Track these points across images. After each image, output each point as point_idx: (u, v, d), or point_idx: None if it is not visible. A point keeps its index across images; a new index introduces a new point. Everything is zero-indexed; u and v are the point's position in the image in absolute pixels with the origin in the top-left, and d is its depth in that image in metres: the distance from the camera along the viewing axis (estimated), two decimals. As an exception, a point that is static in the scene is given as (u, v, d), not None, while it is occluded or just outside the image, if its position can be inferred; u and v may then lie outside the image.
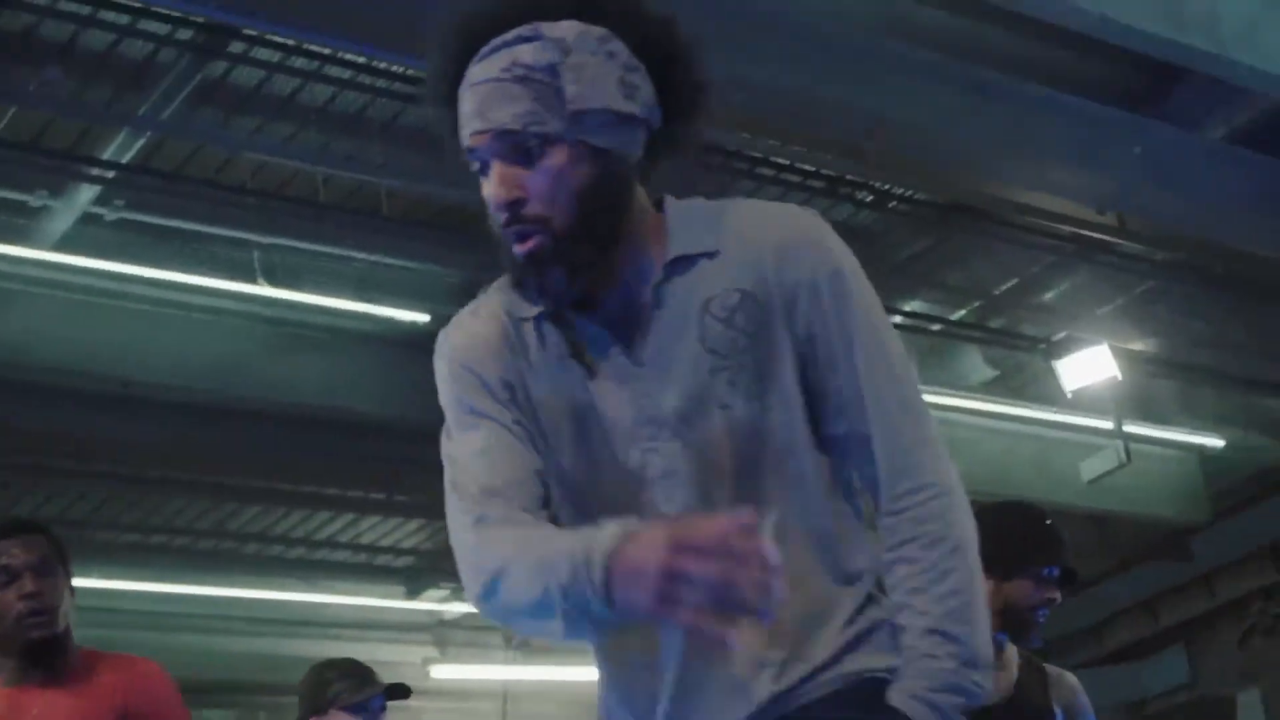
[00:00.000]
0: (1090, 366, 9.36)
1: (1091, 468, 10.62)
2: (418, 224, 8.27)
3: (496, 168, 2.31)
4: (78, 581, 10.28)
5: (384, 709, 5.29)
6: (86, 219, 7.74)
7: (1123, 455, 10.38)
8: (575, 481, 2.42)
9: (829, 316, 2.37)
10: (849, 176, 8.22)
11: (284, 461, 9.65)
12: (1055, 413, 10.38)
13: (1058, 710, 4.59)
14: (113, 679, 4.28)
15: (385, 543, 11.36)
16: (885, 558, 2.35)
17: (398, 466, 9.70)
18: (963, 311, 9.68)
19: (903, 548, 2.33)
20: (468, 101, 2.34)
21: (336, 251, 8.20)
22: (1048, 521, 4.75)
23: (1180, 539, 11.93)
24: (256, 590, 11.21)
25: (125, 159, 7.50)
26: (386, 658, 12.04)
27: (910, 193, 8.43)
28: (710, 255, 2.38)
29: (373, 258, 8.28)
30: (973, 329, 9.93)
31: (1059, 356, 9.44)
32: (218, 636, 11.25)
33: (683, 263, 2.37)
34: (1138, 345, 9.70)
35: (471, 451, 2.39)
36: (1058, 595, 4.55)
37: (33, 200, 7.63)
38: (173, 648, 11.26)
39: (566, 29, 2.33)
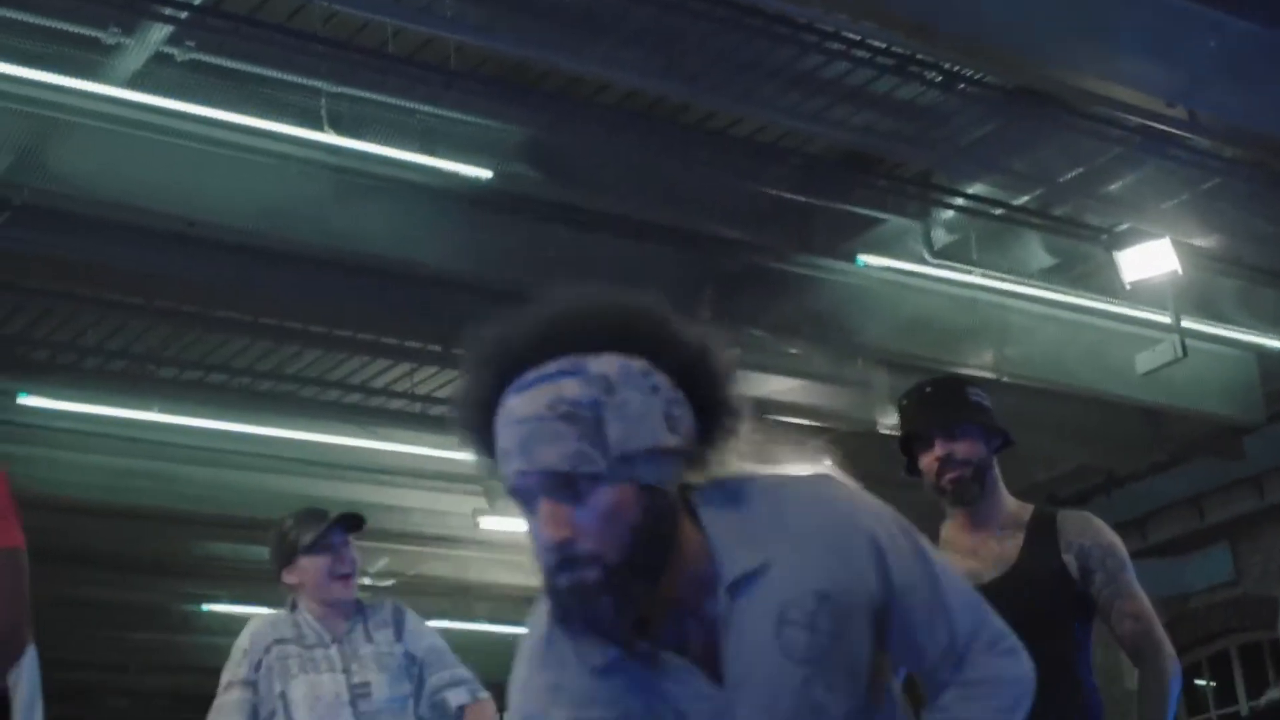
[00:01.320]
0: (1151, 259, 9.29)
1: (1146, 361, 10.53)
2: (484, 79, 8.22)
3: (545, 506, 2.24)
4: (138, 414, 10.58)
5: (346, 543, 5.17)
6: (158, 58, 7.71)
7: (1179, 350, 10.30)
8: None
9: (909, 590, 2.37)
10: (918, 56, 8.12)
11: (344, 308, 9.68)
12: (1113, 304, 10.31)
13: (1069, 559, 4.54)
14: None
15: (440, 394, 11.40)
16: None
17: (456, 319, 9.70)
18: (1026, 198, 9.59)
19: None
20: (509, 437, 2.26)
21: (403, 103, 8.17)
22: (915, 395, 4.76)
23: (1232, 438, 11.88)
24: (311, 433, 11.30)
25: (198, 0, 7.49)
26: (436, 507, 12.23)
27: (979, 75, 8.34)
28: (764, 572, 2.31)
29: (439, 111, 8.24)
30: (1035, 215, 9.84)
31: (1120, 248, 9.37)
32: (271, 476, 11.37)
33: (742, 584, 2.30)
34: (1200, 241, 9.61)
35: None
36: (940, 452, 4.55)
37: (106, 37, 7.59)
38: (227, 484, 11.47)
39: (609, 364, 2.25)
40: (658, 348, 2.28)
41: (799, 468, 2.48)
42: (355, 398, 11.30)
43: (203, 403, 10.95)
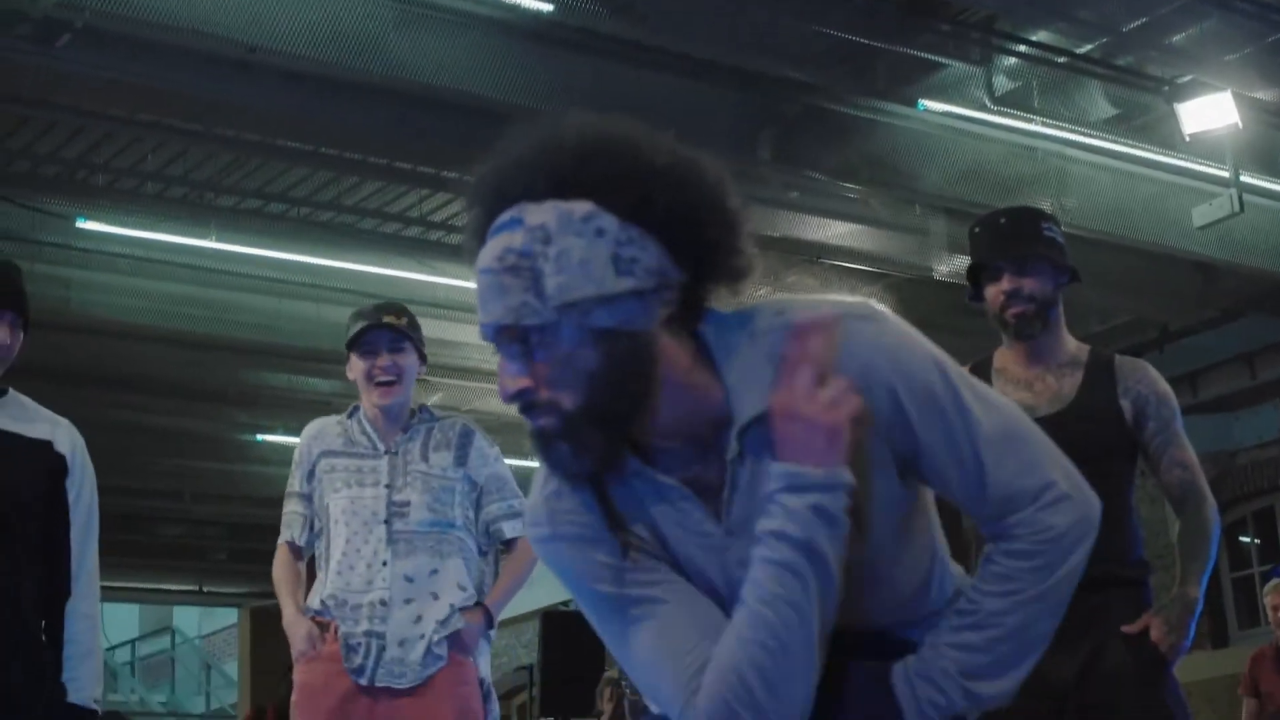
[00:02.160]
0: (1212, 112, 9.22)
1: (1203, 214, 10.44)
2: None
3: (501, 359, 2.26)
4: (196, 242, 10.62)
5: (389, 347, 5.01)
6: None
7: (1236, 204, 10.22)
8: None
9: (930, 428, 2.31)
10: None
11: (405, 140, 9.66)
12: (1171, 156, 10.23)
13: (1125, 404, 4.55)
14: None
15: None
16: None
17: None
18: (1089, 46, 9.50)
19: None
20: (477, 289, 2.27)
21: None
22: (988, 224, 4.74)
23: (1282, 296, 11.85)
24: (368, 265, 11.30)
25: None
26: (479, 343, 12.28)
27: (1048, -86, 8.24)
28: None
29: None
30: (1098, 64, 9.74)
31: (1181, 99, 9.29)
32: (328, 307, 11.34)
33: (752, 427, 2.28)
34: (1262, 94, 9.53)
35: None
36: (1008, 286, 4.55)
37: None
38: (285, 314, 11.53)
39: (547, 213, 2.22)
40: (608, 187, 2.24)
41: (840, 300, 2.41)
42: (414, 230, 11.32)
43: (261, 232, 11.00)
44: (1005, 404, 2.42)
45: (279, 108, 9.09)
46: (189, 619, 25.55)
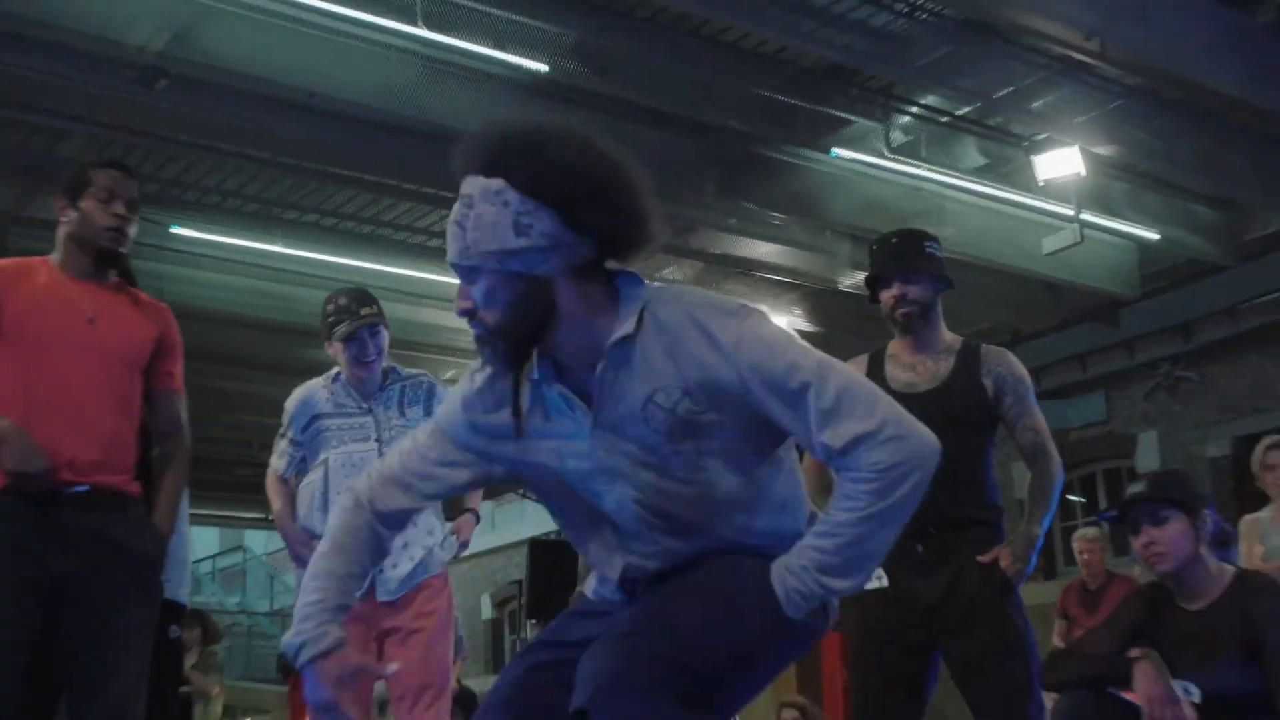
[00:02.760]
0: (1061, 163, 9.27)
1: (1051, 244, 10.53)
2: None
3: (460, 285, 2.47)
4: (265, 246, 10.54)
5: (374, 333, 4.88)
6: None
7: (1077, 236, 10.30)
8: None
9: (787, 394, 2.45)
10: (888, -11, 8.04)
11: (430, 170, 9.56)
12: (1028, 197, 10.25)
13: (988, 384, 4.54)
14: (155, 311, 4.11)
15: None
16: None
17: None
18: (966, 109, 9.51)
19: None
20: None
21: (480, 7, 8.01)
22: (883, 242, 4.71)
23: (1112, 309, 11.87)
24: (399, 268, 11.26)
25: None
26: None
27: (936, 8, 8.22)
28: (635, 339, 2.46)
29: (509, 15, 8.08)
30: (973, 123, 9.77)
31: (1037, 153, 9.36)
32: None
33: (619, 345, 2.46)
34: (1101, 150, 9.51)
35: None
36: (896, 292, 4.52)
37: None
38: (295, 301, 11.40)
39: (473, 185, 2.40)
40: (516, 165, 2.39)
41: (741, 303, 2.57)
42: (436, 242, 11.22)
43: (316, 240, 10.94)
44: (845, 370, 2.51)
45: (331, 141, 9.06)
46: (257, 539, 25.49)
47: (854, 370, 2.57)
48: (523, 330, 2.46)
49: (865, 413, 2.46)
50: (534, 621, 12.82)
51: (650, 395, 2.46)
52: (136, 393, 4.01)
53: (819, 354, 2.52)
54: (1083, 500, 13.20)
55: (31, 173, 9.57)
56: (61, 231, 4.05)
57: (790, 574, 2.52)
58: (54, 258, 4.05)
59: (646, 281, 2.54)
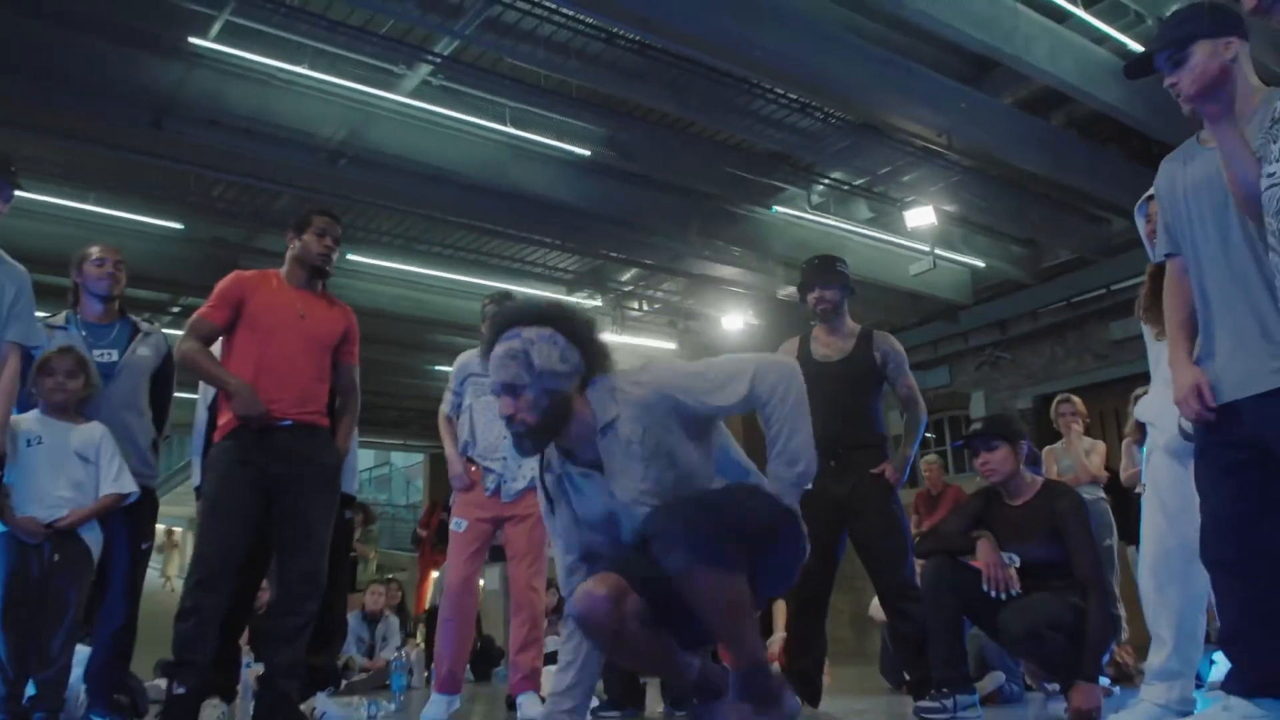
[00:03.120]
0: (922, 216, 9.18)
1: (915, 268, 10.47)
2: (588, 102, 7.95)
3: (503, 396, 2.60)
4: (407, 267, 10.40)
5: None
6: (424, 82, 7.55)
7: (932, 264, 10.23)
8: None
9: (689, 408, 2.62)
10: (812, 103, 7.92)
11: (516, 220, 9.51)
12: (900, 238, 10.13)
13: (877, 355, 4.50)
14: (344, 311, 4.10)
15: (561, 265, 11.29)
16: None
17: (568, 230, 9.71)
18: (860, 180, 9.42)
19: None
20: (492, 363, 2.63)
21: (545, 113, 7.96)
22: (809, 263, 4.67)
23: (953, 311, 11.75)
24: (496, 281, 10.96)
25: (446, 52, 7.24)
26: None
27: (842, 115, 8.10)
28: (615, 422, 2.59)
29: (564, 118, 8.06)
30: (864, 191, 9.67)
31: (907, 209, 9.25)
32: (457, 300, 11.20)
33: (606, 428, 2.60)
34: (948, 208, 9.44)
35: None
36: (817, 294, 4.52)
37: (396, 69, 7.44)
38: (448, 306, 11.37)
39: (532, 332, 2.58)
40: (557, 322, 2.60)
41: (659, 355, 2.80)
42: (516, 265, 11.16)
43: (439, 262, 10.85)
44: (723, 363, 2.69)
45: (451, 201, 8.99)
46: (399, 457, 25.46)
47: (736, 358, 2.73)
48: (551, 427, 2.59)
49: (740, 370, 2.63)
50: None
51: (629, 441, 2.57)
52: (328, 363, 4.01)
53: (705, 362, 2.68)
54: (933, 436, 13.07)
55: (254, 218, 9.51)
56: (288, 254, 4.08)
57: (774, 477, 2.66)
58: (281, 271, 4.08)
59: (604, 377, 2.67)
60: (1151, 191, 3.06)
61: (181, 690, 3.60)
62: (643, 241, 10.04)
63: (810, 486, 4.52)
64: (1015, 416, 4.37)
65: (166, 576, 20.46)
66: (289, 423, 3.82)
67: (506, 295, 5.05)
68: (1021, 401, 11.47)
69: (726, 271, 10.96)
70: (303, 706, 4.06)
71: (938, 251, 10.26)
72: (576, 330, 2.61)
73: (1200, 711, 2.60)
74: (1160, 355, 3.19)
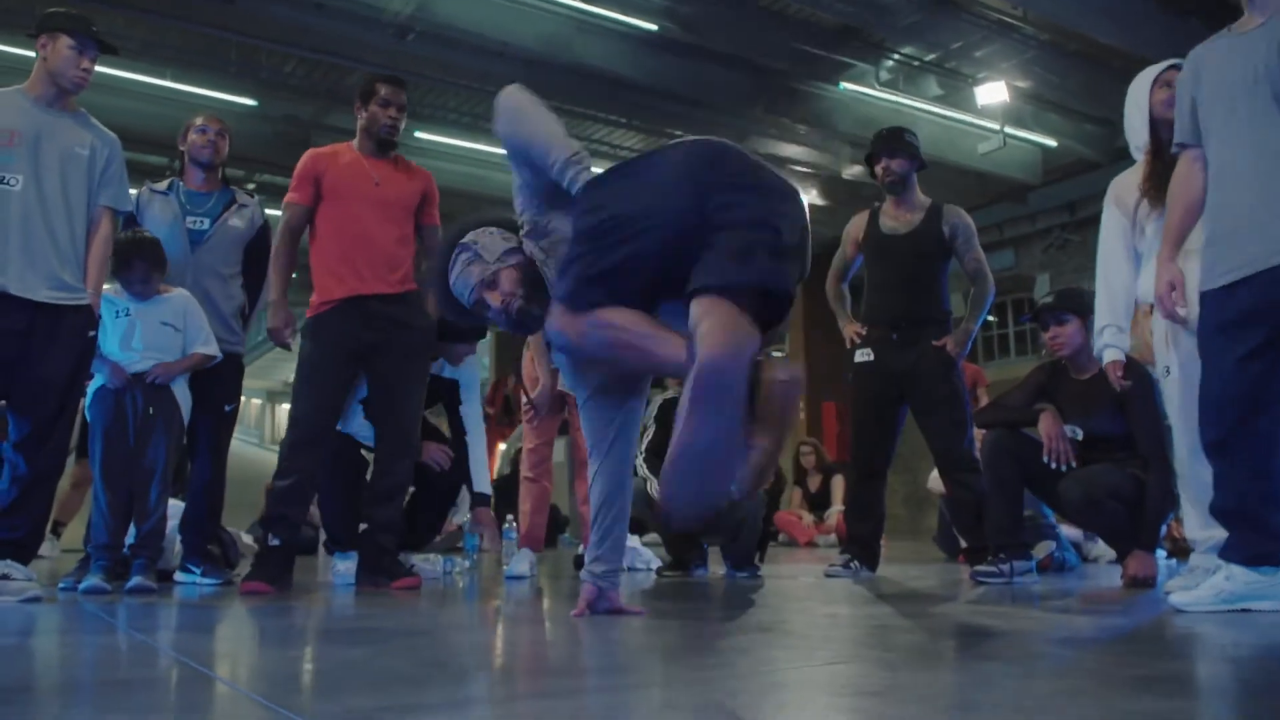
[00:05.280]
0: (993, 93, 8.93)
1: (984, 147, 10.20)
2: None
3: (485, 294, 2.55)
4: (473, 144, 10.35)
5: None
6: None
7: (1002, 143, 9.93)
8: None
9: None
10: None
11: (578, 96, 9.34)
12: (970, 116, 9.87)
13: (946, 229, 4.43)
14: (421, 175, 4.11)
15: (626, 144, 11.14)
16: None
17: (633, 107, 9.57)
18: (931, 56, 9.12)
19: None
20: (461, 291, 2.60)
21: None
22: (877, 134, 4.55)
23: (1022, 192, 11.46)
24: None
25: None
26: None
27: (913, -15, 7.81)
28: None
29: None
30: (935, 67, 9.36)
31: (978, 85, 8.97)
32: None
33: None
34: (1020, 84, 9.14)
35: None
36: (884, 165, 4.40)
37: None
38: (490, 180, 11.29)
39: (473, 235, 2.56)
40: (484, 223, 2.59)
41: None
42: (581, 143, 10.94)
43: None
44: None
45: (514, 75, 8.58)
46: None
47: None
48: (537, 286, 2.48)
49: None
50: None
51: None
52: (410, 228, 4.04)
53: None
54: (995, 319, 12.90)
55: (326, 95, 9.50)
56: (358, 125, 4.07)
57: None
58: (354, 143, 4.07)
59: None
60: (1173, 61, 3.07)
61: (276, 543, 3.77)
62: (708, 119, 9.85)
63: (870, 358, 4.51)
64: (1086, 290, 4.30)
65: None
66: (379, 294, 3.90)
67: None
68: (1087, 284, 11.23)
69: (792, 150, 10.76)
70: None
71: (1008, 130, 9.96)
72: (500, 222, 2.59)
73: (1207, 582, 2.63)
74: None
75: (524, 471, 4.79)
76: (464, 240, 2.56)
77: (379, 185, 3.95)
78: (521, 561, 4.53)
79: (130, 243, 3.87)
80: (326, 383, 3.86)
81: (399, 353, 3.94)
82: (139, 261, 3.84)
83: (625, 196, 2.23)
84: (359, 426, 4.23)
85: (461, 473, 4.56)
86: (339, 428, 4.12)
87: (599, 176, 2.39)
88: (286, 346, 4.08)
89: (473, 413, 4.59)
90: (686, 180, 2.16)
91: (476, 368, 4.76)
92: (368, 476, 4.09)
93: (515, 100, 2.44)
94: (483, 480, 4.52)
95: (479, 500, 4.54)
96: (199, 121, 4.33)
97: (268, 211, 4.51)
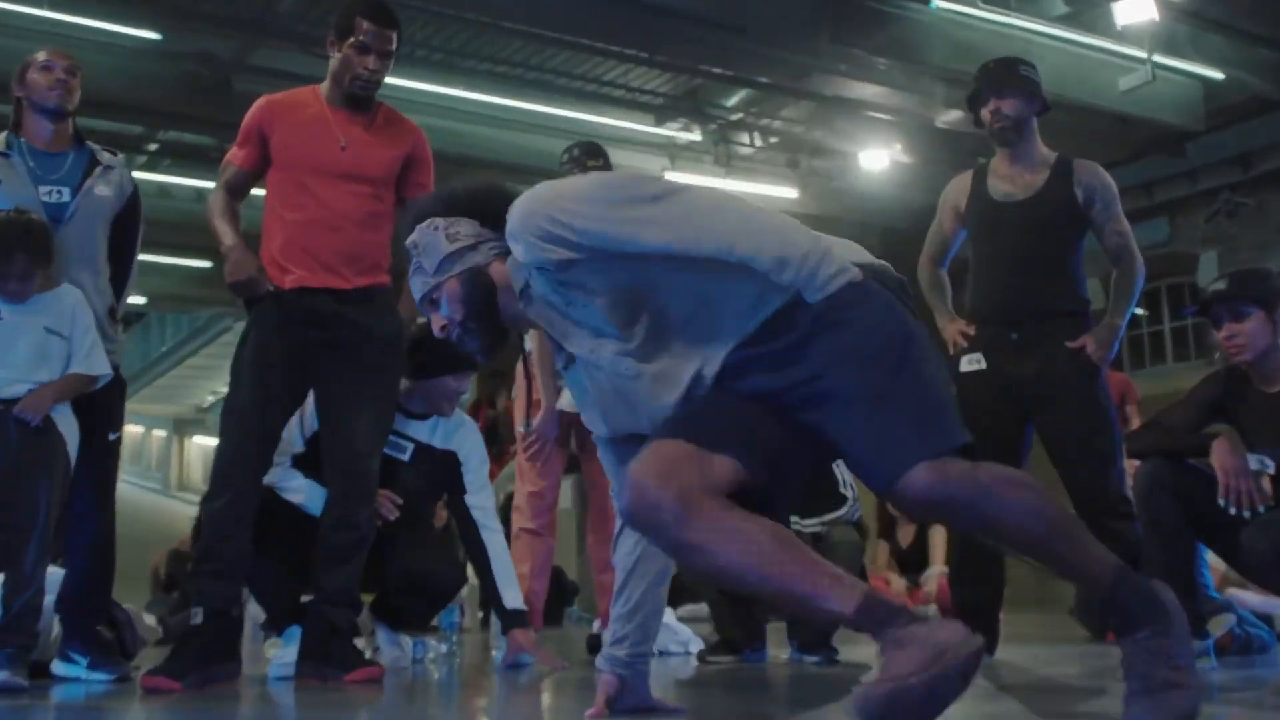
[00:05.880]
0: (1136, 8, 8.91)
1: (1126, 82, 10.17)
2: None
3: (428, 315, 2.61)
4: (446, 90, 10.41)
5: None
6: None
7: (1150, 75, 9.91)
8: None
9: None
10: None
11: (586, 26, 9.39)
12: (1106, 41, 9.87)
13: (1079, 192, 4.41)
14: (407, 131, 4.11)
15: (648, 86, 11.17)
16: None
17: (653, 39, 9.54)
18: (1052, -36, 9.11)
19: None
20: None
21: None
22: (983, 67, 4.56)
23: (1178, 141, 11.42)
24: (558, 109, 11.13)
25: None
26: (630, 164, 12.03)
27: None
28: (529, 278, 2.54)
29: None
30: (1059, -23, 9.35)
31: (1116, 1, 8.95)
32: (528, 136, 11.29)
33: (524, 291, 2.54)
34: (1172, -2, 9.12)
35: None
36: (992, 107, 4.38)
37: None
38: (501, 141, 11.41)
39: (415, 235, 2.58)
40: (434, 210, 2.58)
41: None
42: (591, 86, 11.08)
43: (491, 84, 10.82)
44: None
45: (506, 2, 8.90)
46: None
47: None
48: (486, 309, 2.52)
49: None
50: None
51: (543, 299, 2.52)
52: (388, 203, 4.03)
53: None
54: (1146, 313, 12.84)
55: (251, 26, 9.55)
56: (330, 65, 4.05)
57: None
58: (323, 87, 4.08)
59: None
60: None
61: (199, 619, 3.73)
62: (756, 52, 9.85)
63: (981, 366, 4.45)
64: (1273, 273, 4.25)
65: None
66: (334, 288, 3.91)
67: (595, 149, 5.02)
68: (1271, 264, 11.17)
69: (868, 91, 10.72)
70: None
71: (1157, 59, 9.88)
72: (455, 203, 2.59)
73: None
74: None
75: (520, 522, 4.77)
76: (409, 239, 2.61)
77: (345, 149, 3.94)
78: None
79: (9, 225, 3.83)
80: (274, 372, 3.89)
81: (354, 366, 3.93)
82: (20, 254, 3.81)
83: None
84: (299, 488, 4.24)
85: (454, 569, 4.54)
86: (270, 482, 4.11)
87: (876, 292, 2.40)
88: (267, 290, 3.94)
89: (484, 503, 4.52)
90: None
91: (478, 435, 4.70)
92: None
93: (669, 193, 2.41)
94: (513, 593, 4.42)
95: (512, 620, 4.38)
96: (41, 57, 4.16)
97: (139, 176, 4.45)
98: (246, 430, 3.87)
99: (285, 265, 3.93)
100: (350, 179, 3.94)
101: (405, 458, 4.49)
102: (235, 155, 4.03)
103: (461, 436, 4.56)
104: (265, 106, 4.03)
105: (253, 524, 3.86)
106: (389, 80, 10.35)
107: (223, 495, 3.81)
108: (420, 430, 4.51)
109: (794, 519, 4.45)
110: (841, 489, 4.72)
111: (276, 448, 4.00)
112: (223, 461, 3.86)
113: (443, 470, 4.52)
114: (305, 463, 4.27)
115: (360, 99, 3.99)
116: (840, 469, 4.64)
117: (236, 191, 4.04)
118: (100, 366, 3.96)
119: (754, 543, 2.12)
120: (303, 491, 4.22)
